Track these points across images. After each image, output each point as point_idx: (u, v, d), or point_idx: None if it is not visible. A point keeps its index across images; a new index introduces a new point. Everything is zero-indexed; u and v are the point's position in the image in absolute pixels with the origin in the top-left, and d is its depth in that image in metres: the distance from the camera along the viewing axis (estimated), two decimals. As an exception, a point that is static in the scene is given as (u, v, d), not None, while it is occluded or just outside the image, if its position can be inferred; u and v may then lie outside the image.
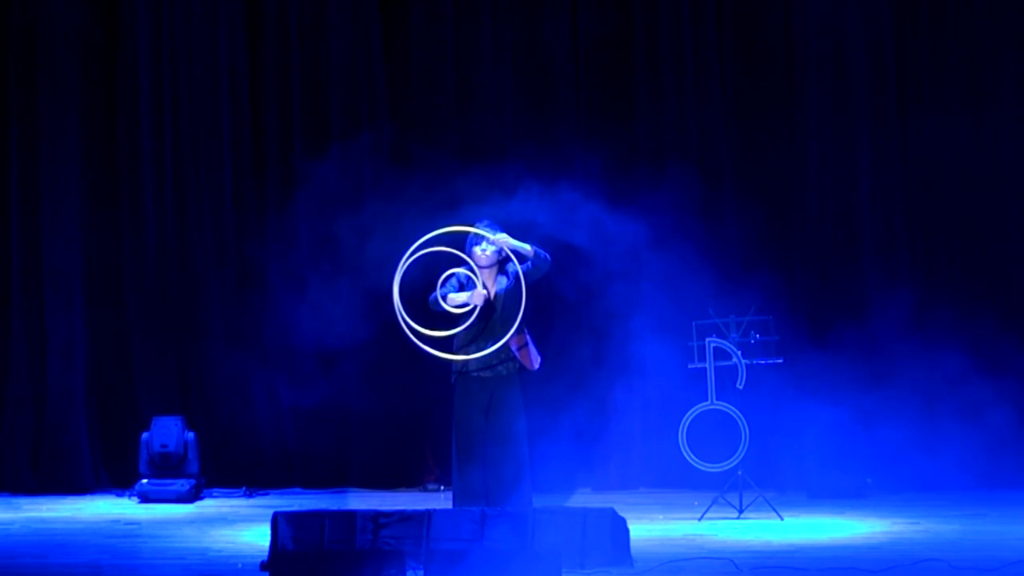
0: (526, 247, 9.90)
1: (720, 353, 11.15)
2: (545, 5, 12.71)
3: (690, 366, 11.32)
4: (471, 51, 12.78)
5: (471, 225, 10.00)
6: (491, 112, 12.74)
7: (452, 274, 10.02)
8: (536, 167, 12.50)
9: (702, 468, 11.21)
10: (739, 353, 11.13)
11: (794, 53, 12.57)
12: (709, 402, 11.14)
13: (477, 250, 9.99)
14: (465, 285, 9.96)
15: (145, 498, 12.22)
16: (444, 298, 9.91)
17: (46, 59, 12.81)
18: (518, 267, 9.89)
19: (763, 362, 11.31)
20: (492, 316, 9.92)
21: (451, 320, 9.97)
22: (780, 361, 11.39)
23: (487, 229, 9.96)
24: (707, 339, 11.19)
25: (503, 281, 10.00)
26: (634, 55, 12.66)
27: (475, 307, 9.87)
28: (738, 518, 10.93)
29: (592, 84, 12.72)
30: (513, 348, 9.93)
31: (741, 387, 11.11)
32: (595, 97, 12.71)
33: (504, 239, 9.88)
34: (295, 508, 10.12)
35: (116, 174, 12.99)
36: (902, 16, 12.49)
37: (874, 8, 12.44)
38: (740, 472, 11.07)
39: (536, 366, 10.13)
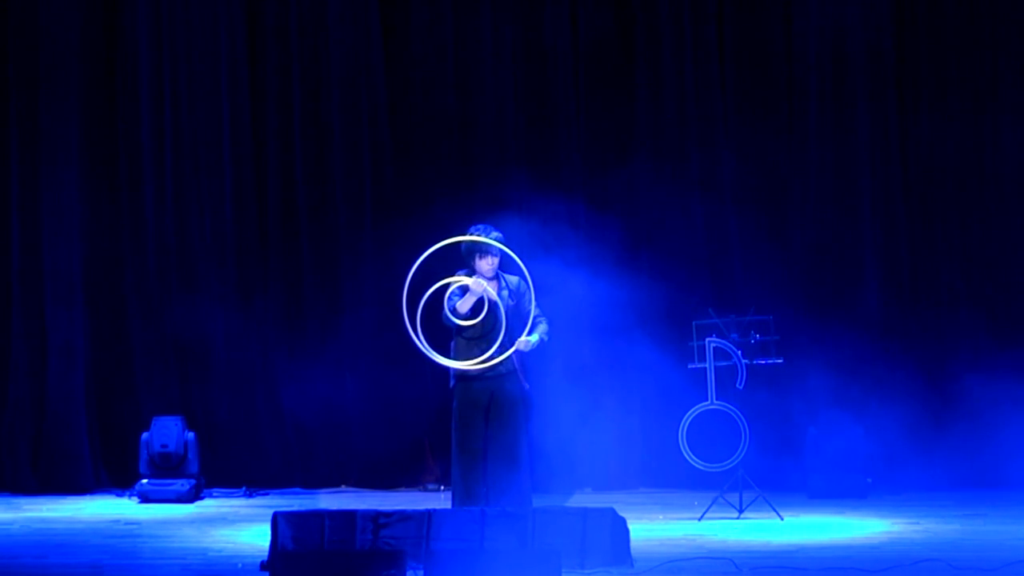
0: (535, 339, 9.91)
1: (720, 353, 11.15)
2: (545, 5, 12.70)
3: (690, 366, 11.32)
4: (471, 51, 12.77)
5: (466, 230, 9.99)
6: (491, 112, 12.73)
7: (454, 289, 9.99)
8: (536, 166, 12.52)
9: (702, 468, 11.21)
10: (739, 353, 11.13)
11: (794, 53, 12.57)
12: (709, 402, 11.13)
13: (481, 260, 9.93)
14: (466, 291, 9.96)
15: (145, 498, 12.22)
16: (453, 311, 9.87)
17: (46, 59, 12.80)
18: (528, 284, 9.85)
19: (763, 362, 11.31)
20: (495, 324, 9.90)
21: (456, 329, 9.98)
22: (780, 361, 11.39)
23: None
24: (707, 339, 11.19)
25: (507, 296, 9.98)
26: (634, 55, 12.66)
27: (485, 307, 9.84)
28: (738, 518, 10.94)
29: (592, 84, 12.71)
30: (515, 361, 9.93)
31: (741, 387, 11.11)
32: (595, 97, 12.70)
33: (525, 343, 9.85)
34: (295, 508, 10.12)
35: (116, 174, 12.98)
36: (902, 16, 12.48)
37: (874, 8, 12.44)
38: (740, 472, 11.07)
39: (526, 385, 10.11)
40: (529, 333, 9.94)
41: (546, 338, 10.03)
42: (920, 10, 12.45)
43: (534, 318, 9.94)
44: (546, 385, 11.12)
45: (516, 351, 9.90)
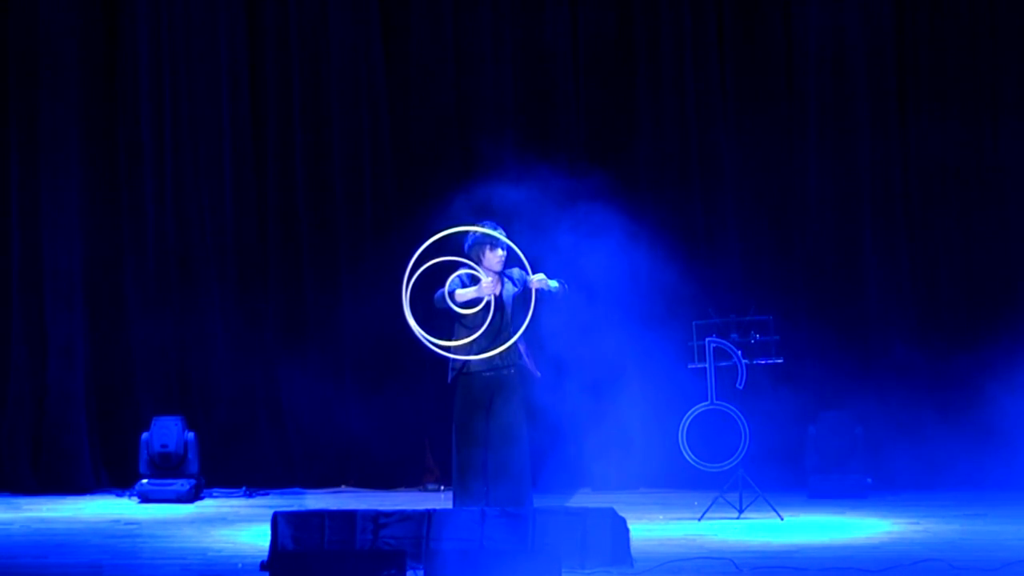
0: (554, 284, 9.83)
1: (720, 353, 11.15)
2: (545, 5, 12.71)
3: (690, 366, 11.32)
4: (471, 51, 12.77)
5: (473, 227, 9.95)
6: (491, 112, 12.74)
7: (456, 274, 9.95)
8: (536, 166, 12.52)
9: (702, 468, 11.22)
10: (739, 353, 11.13)
11: (794, 53, 12.57)
12: (709, 402, 11.14)
13: (490, 254, 9.88)
14: (468, 285, 9.89)
15: (145, 498, 12.22)
16: (451, 295, 9.82)
17: (46, 59, 12.81)
18: (529, 276, 9.82)
19: (763, 362, 11.31)
20: (500, 318, 9.86)
21: (455, 317, 9.90)
22: (780, 361, 11.39)
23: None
24: (707, 339, 11.19)
25: (511, 286, 9.95)
26: (634, 55, 12.66)
27: (486, 301, 9.78)
28: (738, 518, 10.94)
29: (592, 84, 12.71)
30: (522, 351, 9.91)
31: (741, 387, 11.11)
32: (595, 97, 12.71)
33: (540, 280, 9.79)
34: (295, 508, 10.12)
35: (116, 174, 12.99)
36: (902, 16, 12.48)
37: (874, 8, 12.44)
38: (740, 472, 11.07)
39: (538, 373, 10.10)
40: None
41: (567, 287, 9.95)
42: (920, 11, 12.45)
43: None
44: (547, 385, 11.12)
45: (520, 340, 9.83)
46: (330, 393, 12.69)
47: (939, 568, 8.95)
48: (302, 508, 10.25)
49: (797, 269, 12.53)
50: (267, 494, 12.52)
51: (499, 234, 9.87)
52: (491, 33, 12.74)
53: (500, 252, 9.88)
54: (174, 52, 12.90)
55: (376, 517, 9.09)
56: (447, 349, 9.87)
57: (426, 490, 12.62)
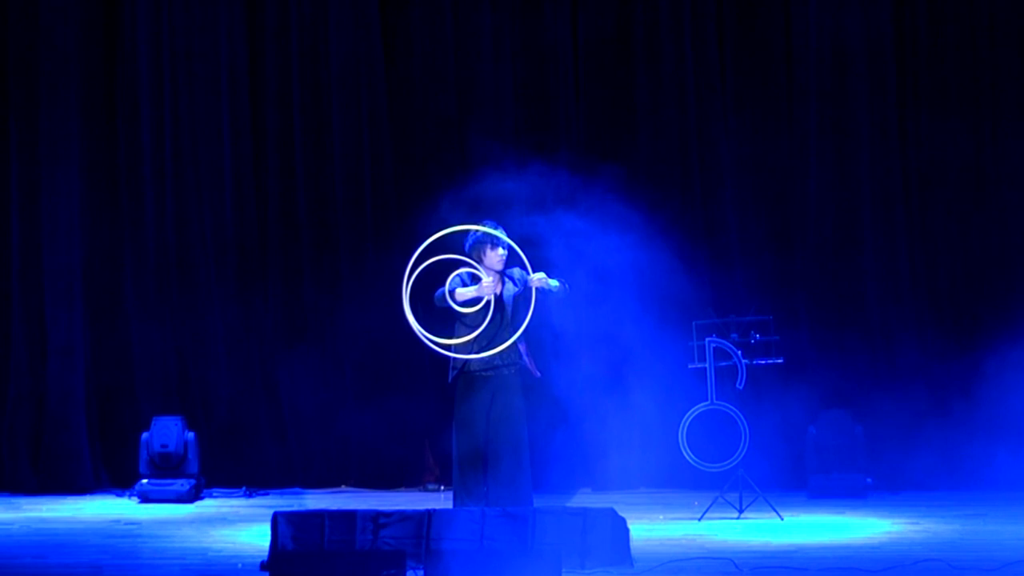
0: (555, 283, 9.83)
1: (720, 353, 11.15)
2: (545, 5, 12.71)
3: (690, 366, 11.32)
4: (471, 50, 12.78)
5: (474, 226, 9.94)
6: (491, 111, 12.74)
7: (457, 273, 9.95)
8: (536, 166, 12.52)
9: (702, 468, 11.22)
10: (739, 353, 11.13)
11: (794, 53, 12.57)
12: (709, 402, 11.13)
13: (491, 253, 9.88)
14: (468, 284, 9.90)
15: (145, 498, 12.22)
16: (452, 294, 9.82)
17: (46, 60, 12.81)
18: (529, 276, 9.81)
19: (763, 362, 11.31)
20: (500, 318, 9.87)
21: (456, 316, 9.90)
22: (780, 361, 11.39)
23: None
24: (707, 339, 11.19)
25: (511, 286, 9.95)
26: (634, 55, 12.66)
27: (487, 300, 9.79)
28: (738, 518, 10.94)
29: (592, 83, 12.71)
30: (522, 351, 9.90)
31: (741, 387, 11.11)
32: (595, 96, 12.71)
33: (540, 279, 9.79)
34: (295, 508, 10.12)
35: (116, 174, 12.99)
36: (902, 16, 12.49)
37: (874, 8, 12.44)
38: (740, 472, 11.07)
39: (538, 373, 10.10)
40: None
41: (567, 287, 9.95)
42: (920, 10, 12.45)
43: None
44: (547, 385, 11.13)
45: (520, 339, 9.83)
46: (330, 393, 12.70)
47: (939, 568, 8.95)
48: (302, 508, 10.25)
49: (797, 269, 12.53)
50: (267, 494, 12.53)
51: (500, 233, 9.87)
52: (491, 33, 12.74)
53: (501, 251, 9.89)
54: (174, 52, 12.90)
55: (376, 517, 9.09)
56: (447, 348, 9.88)
57: (426, 490, 12.62)
